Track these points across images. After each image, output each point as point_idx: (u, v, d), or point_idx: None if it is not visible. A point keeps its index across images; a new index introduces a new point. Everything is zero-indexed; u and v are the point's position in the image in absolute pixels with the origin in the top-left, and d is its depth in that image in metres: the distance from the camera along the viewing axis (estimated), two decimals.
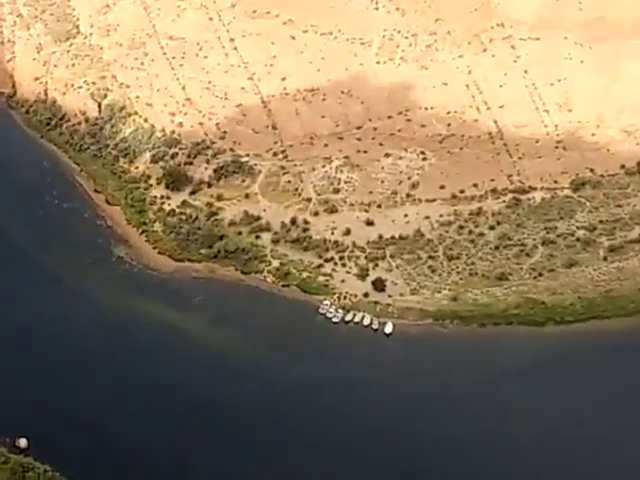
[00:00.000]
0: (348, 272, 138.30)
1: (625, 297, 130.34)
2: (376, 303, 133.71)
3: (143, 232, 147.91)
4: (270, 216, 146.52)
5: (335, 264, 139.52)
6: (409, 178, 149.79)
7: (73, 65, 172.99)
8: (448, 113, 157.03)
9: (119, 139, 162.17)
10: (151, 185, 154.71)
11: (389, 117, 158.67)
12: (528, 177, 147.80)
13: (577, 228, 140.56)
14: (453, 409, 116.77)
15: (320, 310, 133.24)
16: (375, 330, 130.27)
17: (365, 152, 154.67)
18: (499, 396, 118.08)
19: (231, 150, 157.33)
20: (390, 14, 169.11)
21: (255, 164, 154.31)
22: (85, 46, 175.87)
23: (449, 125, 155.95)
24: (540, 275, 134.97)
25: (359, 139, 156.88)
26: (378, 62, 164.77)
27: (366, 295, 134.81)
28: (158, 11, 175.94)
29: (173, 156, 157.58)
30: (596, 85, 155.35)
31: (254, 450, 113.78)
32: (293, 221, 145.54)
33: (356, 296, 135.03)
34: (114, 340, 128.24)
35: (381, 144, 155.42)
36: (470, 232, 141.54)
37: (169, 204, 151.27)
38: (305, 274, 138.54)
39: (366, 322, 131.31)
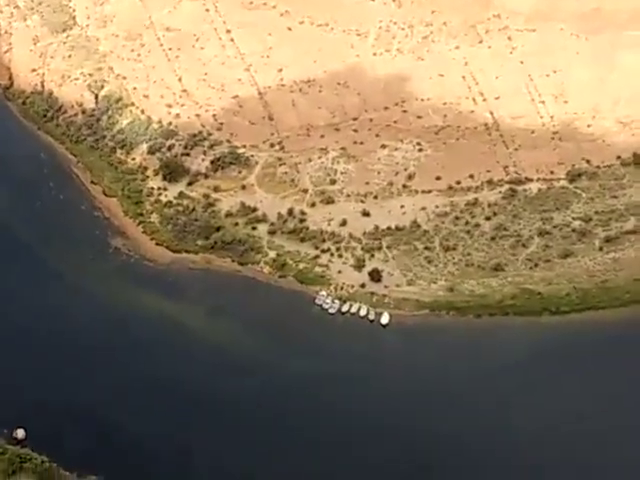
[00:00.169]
0: (344, 263, 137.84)
1: (620, 288, 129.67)
2: (372, 294, 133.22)
3: (140, 223, 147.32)
4: (267, 207, 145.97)
5: (332, 255, 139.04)
6: (405, 169, 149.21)
7: (70, 56, 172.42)
8: (444, 104, 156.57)
9: (116, 130, 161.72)
10: (148, 176, 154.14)
11: (385, 108, 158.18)
12: (524, 168, 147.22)
13: (573, 219, 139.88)
14: (451, 402, 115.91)
15: (316, 301, 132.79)
16: (371, 321, 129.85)
17: (361, 143, 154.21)
18: (497, 388, 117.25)
19: (228, 141, 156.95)
20: (386, 5, 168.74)
21: (252, 155, 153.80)
22: (82, 37, 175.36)
23: (445, 116, 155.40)
24: (536, 266, 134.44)
25: (355, 130, 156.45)
26: (374, 53, 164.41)
27: (363, 286, 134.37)
28: (155, 2, 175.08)
29: (170, 147, 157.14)
30: (592, 76, 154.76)
31: (252, 445, 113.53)
32: (290, 212, 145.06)
33: (353, 287, 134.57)
34: (111, 331, 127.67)
35: (377, 135, 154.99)
36: (466, 223, 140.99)
37: (166, 195, 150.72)
38: (302, 265, 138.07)
39: (362, 313, 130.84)
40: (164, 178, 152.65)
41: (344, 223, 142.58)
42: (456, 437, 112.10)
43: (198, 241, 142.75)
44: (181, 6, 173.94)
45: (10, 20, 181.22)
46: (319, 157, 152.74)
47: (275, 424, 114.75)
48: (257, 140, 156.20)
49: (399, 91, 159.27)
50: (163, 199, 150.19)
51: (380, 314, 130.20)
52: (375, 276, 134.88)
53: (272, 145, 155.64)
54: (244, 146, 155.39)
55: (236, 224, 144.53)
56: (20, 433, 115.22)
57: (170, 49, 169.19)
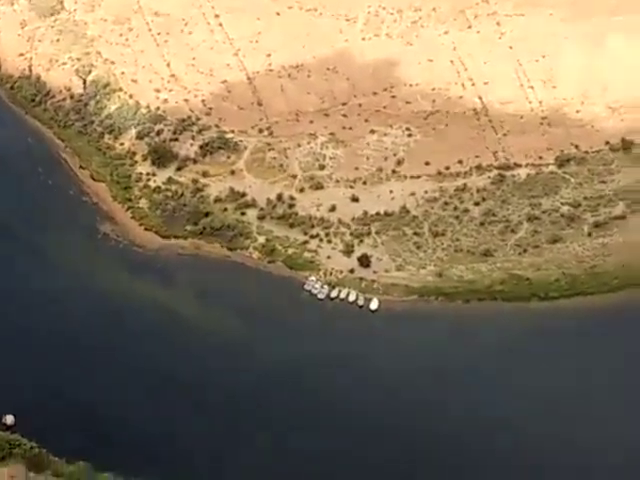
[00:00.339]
0: (334, 248, 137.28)
1: (609, 273, 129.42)
2: (361, 279, 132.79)
3: (129, 209, 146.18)
4: (256, 192, 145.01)
5: (321, 240, 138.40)
6: (394, 154, 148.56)
7: (57, 41, 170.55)
8: (433, 89, 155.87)
9: (104, 115, 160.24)
10: (136, 162, 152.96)
11: (374, 93, 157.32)
12: (513, 153, 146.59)
13: (561, 204, 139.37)
14: (440, 387, 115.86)
15: (306, 286, 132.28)
16: (360, 306, 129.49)
17: (350, 129, 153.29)
18: (484, 373, 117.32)
19: (216, 126, 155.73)
20: None
21: (240, 140, 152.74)
22: (69, 22, 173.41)
23: (434, 101, 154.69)
24: (525, 251, 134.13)
25: (344, 115, 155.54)
26: (363, 38, 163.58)
27: (352, 271, 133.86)
28: None
29: (158, 132, 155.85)
30: (581, 62, 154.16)
31: (235, 431, 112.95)
32: (279, 197, 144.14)
33: (342, 272, 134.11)
34: (100, 317, 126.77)
35: (366, 120, 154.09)
36: (455, 208, 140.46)
37: (154, 181, 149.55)
38: (291, 250, 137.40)
39: (351, 298, 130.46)
40: (153, 163, 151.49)
41: (333, 209, 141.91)
42: (446, 426, 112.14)
43: (187, 226, 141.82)
44: None
45: None
46: (308, 142, 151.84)
47: (259, 410, 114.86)
48: (246, 125, 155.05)
49: (388, 76, 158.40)
50: (152, 184, 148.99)
51: (369, 300, 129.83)
52: (364, 261, 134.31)
53: (261, 130, 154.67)
54: (233, 131, 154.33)
55: (225, 209, 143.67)
56: (9, 419, 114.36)
57: (159, 34, 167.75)
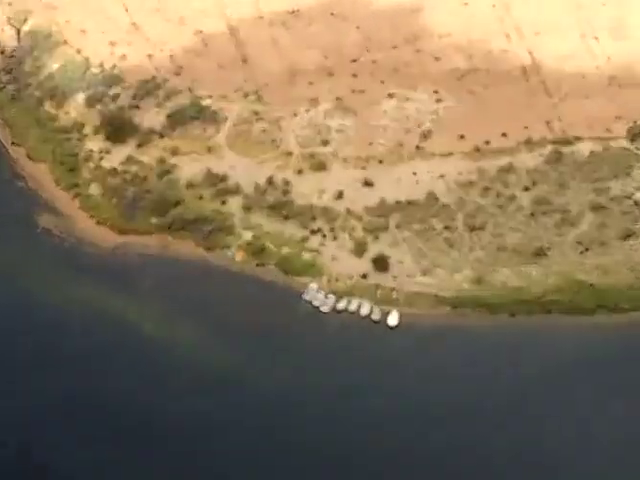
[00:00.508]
0: (341, 247, 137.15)
1: None
2: (377, 287, 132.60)
3: (76, 196, 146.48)
4: (240, 175, 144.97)
5: (324, 237, 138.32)
6: (419, 126, 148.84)
7: None
8: (469, 41, 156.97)
9: (44, 76, 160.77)
10: (86, 135, 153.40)
11: (393, 47, 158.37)
12: (572, 124, 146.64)
13: (635, 189, 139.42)
14: (486, 429, 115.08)
15: (305, 296, 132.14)
16: (376, 322, 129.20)
17: (362, 92, 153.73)
18: (543, 411, 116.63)
19: (189, 90, 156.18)
20: None
21: (220, 108, 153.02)
22: None
23: (471, 57, 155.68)
24: (588, 250, 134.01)
25: (354, 75, 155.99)
26: None
27: (364, 277, 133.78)
28: None
29: (114, 98, 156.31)
30: None
31: None
32: (270, 181, 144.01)
33: (351, 278, 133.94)
34: (38, 335, 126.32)
35: (383, 82, 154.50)
36: (498, 195, 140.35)
37: (109, 160, 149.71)
38: (285, 250, 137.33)
39: (364, 311, 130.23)
40: (107, 138, 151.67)
41: (340, 195, 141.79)
42: None
43: (151, 219, 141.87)
44: None
45: None
46: (307, 110, 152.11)
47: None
48: (227, 89, 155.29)
49: (411, 24, 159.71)
50: (106, 165, 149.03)
51: (387, 313, 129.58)
52: (380, 264, 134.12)
53: (246, 95, 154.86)
54: (210, 96, 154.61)
55: (200, 197, 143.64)
56: None
57: None
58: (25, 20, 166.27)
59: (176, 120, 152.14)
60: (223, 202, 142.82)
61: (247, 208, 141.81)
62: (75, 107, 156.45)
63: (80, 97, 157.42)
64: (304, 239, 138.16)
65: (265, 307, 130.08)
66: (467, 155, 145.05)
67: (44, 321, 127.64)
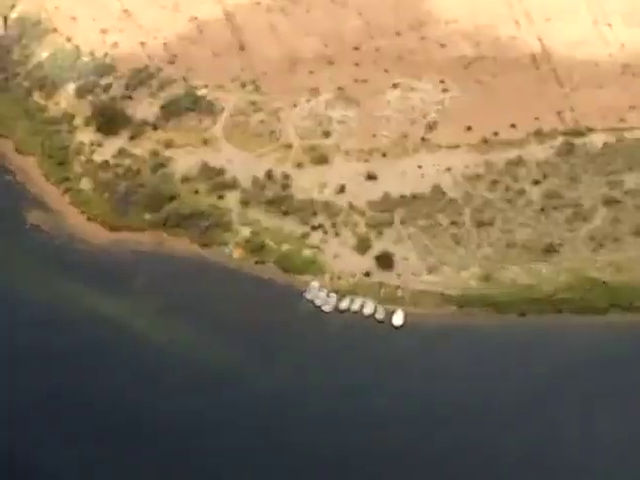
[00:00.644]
0: (343, 244, 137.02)
1: None
2: (381, 285, 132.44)
3: (67, 191, 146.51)
4: (237, 169, 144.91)
5: (325, 233, 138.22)
6: (424, 116, 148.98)
7: None
8: (477, 28, 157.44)
9: (32, 66, 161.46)
10: (76, 127, 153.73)
11: (397, 34, 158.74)
12: (584, 114, 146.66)
13: None
14: (493, 431, 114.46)
15: (306, 295, 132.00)
16: (380, 321, 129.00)
17: (365, 81, 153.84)
18: (552, 413, 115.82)
19: (184, 79, 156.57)
20: None
21: (216, 98, 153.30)
22: None
23: (478, 44, 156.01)
24: (601, 246, 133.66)
25: (357, 64, 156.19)
26: None
27: (367, 275, 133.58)
28: None
29: (106, 88, 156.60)
30: None
31: None
32: (268, 175, 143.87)
33: (354, 276, 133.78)
34: (28, 337, 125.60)
35: (386, 70, 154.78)
36: (507, 189, 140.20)
37: (101, 153, 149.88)
38: (285, 247, 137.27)
39: (368, 311, 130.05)
40: (98, 130, 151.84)
41: (342, 190, 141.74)
42: None
43: (145, 215, 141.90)
44: None
45: None
46: (307, 100, 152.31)
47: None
48: (223, 78, 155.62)
49: (415, 10, 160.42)
50: (97, 158, 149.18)
51: (392, 312, 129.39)
52: (384, 262, 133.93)
53: (244, 84, 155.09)
54: (206, 86, 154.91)
55: (196, 192, 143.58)
56: None
57: None
58: (13, 7, 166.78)
59: (170, 111, 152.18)
60: (220, 197, 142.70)
61: (245, 203, 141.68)
62: (65, 97, 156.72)
63: (70, 87, 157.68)
64: (305, 235, 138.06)
65: (265, 306, 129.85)
66: (474, 147, 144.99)
67: (31, 320, 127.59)
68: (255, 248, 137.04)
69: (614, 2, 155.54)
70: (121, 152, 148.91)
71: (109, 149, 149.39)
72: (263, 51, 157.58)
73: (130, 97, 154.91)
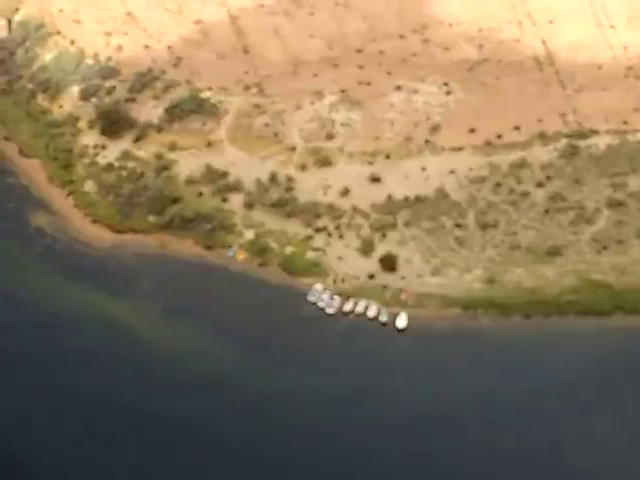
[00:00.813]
0: (347, 246, 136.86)
1: None
2: (385, 288, 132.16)
3: (71, 194, 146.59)
4: (241, 171, 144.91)
5: (329, 235, 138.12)
6: (428, 119, 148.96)
7: None
8: (480, 31, 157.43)
9: (36, 68, 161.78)
10: (81, 130, 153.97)
11: (400, 37, 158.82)
12: (588, 116, 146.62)
13: None
14: (496, 434, 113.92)
15: (310, 297, 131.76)
16: (384, 324, 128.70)
17: (368, 84, 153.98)
18: (557, 419, 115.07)
19: (188, 82, 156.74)
20: None
21: (220, 101, 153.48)
22: None
23: (481, 47, 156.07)
24: (605, 248, 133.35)
25: (360, 66, 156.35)
26: None
27: (371, 277, 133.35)
28: None
29: (110, 91, 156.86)
30: None
31: None
32: (272, 178, 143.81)
33: (358, 278, 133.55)
34: (33, 339, 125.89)
35: (390, 73, 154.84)
36: (511, 191, 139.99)
37: (105, 156, 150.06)
38: (289, 249, 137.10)
39: (371, 313, 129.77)
40: (102, 132, 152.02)
41: (346, 192, 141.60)
42: None
43: (149, 217, 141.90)
44: None
45: None
46: (311, 103, 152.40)
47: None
48: (227, 80, 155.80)
49: (419, 13, 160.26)
50: (101, 161, 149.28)
51: (395, 315, 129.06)
52: (388, 264, 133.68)
53: (248, 87, 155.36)
54: (210, 88, 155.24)
55: (200, 194, 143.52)
56: None
57: None
58: (17, 10, 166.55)
59: (174, 114, 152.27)
60: (224, 199, 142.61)
61: (249, 205, 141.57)
62: (69, 100, 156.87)
63: (74, 90, 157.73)
64: (308, 238, 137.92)
65: (268, 309, 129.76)
66: (478, 149, 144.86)
67: (35, 321, 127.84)
68: (259, 250, 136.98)
69: (618, 4, 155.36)
70: (125, 155, 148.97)
71: (113, 152, 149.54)
72: (267, 54, 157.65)
73: (134, 100, 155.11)
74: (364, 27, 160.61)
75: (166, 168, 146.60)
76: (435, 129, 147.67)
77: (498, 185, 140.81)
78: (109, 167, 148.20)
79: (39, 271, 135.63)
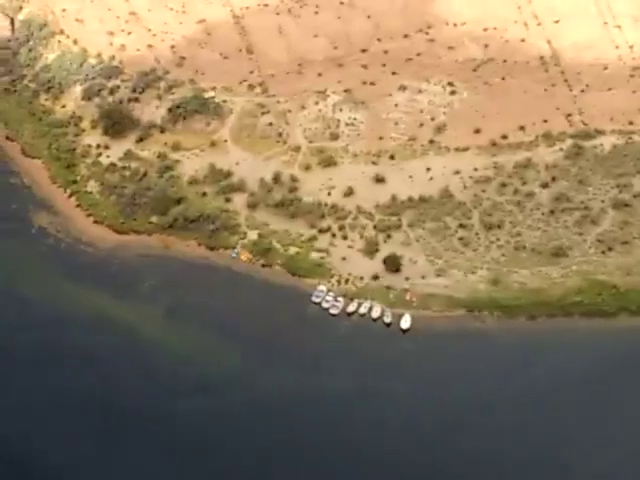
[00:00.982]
0: (351, 247, 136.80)
1: None
2: (389, 289, 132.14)
3: (73, 194, 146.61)
4: (245, 171, 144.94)
5: (333, 236, 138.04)
6: (433, 119, 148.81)
7: None
8: (485, 30, 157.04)
9: (39, 68, 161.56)
10: (83, 130, 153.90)
11: (405, 36, 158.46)
12: (593, 117, 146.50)
13: None
14: (501, 435, 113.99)
15: (314, 298, 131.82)
16: (388, 325, 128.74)
17: (373, 84, 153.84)
18: (562, 420, 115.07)
19: (191, 82, 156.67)
20: None
21: (224, 101, 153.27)
22: None
23: (487, 47, 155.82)
24: (610, 249, 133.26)
25: (364, 66, 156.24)
26: None
27: (375, 278, 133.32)
28: None
29: (113, 91, 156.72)
30: None
31: None
32: (276, 178, 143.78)
33: (362, 279, 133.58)
34: (35, 339, 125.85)
35: (395, 73, 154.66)
36: (515, 192, 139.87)
37: (108, 156, 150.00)
38: (293, 250, 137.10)
39: (375, 314, 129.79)
40: (105, 132, 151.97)
41: (350, 192, 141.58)
42: None
43: (152, 218, 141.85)
44: None
45: None
46: (316, 103, 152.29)
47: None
48: (231, 80, 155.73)
49: (423, 13, 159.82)
50: (104, 161, 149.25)
51: (400, 316, 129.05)
52: (392, 265, 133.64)
53: (252, 87, 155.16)
54: (213, 88, 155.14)
55: (203, 194, 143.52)
56: None
57: None
58: (20, 9, 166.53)
59: (178, 113, 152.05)
60: (227, 200, 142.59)
61: (252, 206, 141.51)
62: (72, 100, 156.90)
63: (77, 89, 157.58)
64: (312, 238, 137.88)
65: (272, 310, 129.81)
66: (483, 150, 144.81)
67: (37, 321, 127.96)
68: (262, 251, 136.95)
69: (624, 4, 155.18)
70: (128, 155, 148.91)
71: (116, 152, 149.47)
72: (271, 53, 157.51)
73: (137, 99, 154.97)
74: (369, 27, 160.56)
75: (169, 168, 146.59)
76: (440, 129, 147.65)
77: (503, 185, 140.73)
78: (112, 167, 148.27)
79: (41, 271, 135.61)
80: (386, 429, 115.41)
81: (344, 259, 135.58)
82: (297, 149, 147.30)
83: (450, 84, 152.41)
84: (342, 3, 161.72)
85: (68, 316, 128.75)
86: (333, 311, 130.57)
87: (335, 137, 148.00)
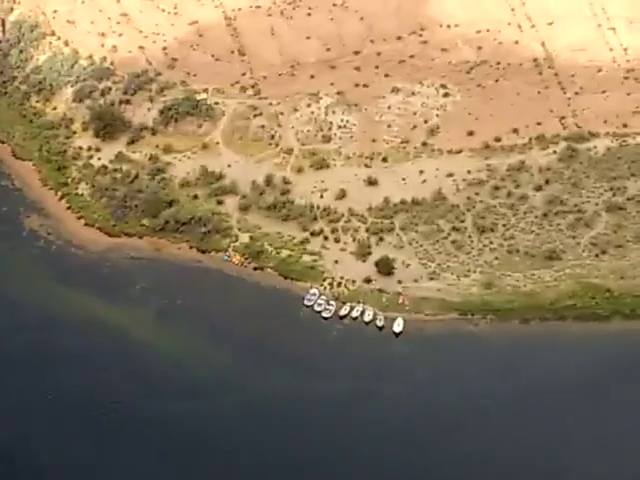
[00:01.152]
0: (343, 250, 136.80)
1: None
2: (381, 292, 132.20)
3: (64, 196, 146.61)
4: (237, 174, 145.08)
5: (325, 239, 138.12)
6: (426, 121, 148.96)
7: None
8: (478, 32, 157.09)
9: (30, 69, 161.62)
10: (74, 132, 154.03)
11: (398, 38, 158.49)
12: (587, 119, 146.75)
13: None
14: (493, 439, 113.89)
15: (306, 301, 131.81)
16: (380, 328, 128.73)
17: (366, 86, 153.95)
18: (554, 424, 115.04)
19: (183, 84, 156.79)
20: None
21: (216, 103, 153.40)
22: None
23: (480, 49, 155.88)
24: (604, 253, 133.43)
25: (357, 68, 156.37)
26: None
27: (368, 281, 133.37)
28: None
29: (104, 92, 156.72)
30: None
31: None
32: (268, 180, 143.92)
33: (354, 282, 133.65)
34: (25, 343, 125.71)
35: (387, 75, 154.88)
36: (509, 195, 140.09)
37: (99, 158, 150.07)
38: (285, 253, 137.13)
39: (368, 318, 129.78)
40: (96, 134, 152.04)
41: (342, 195, 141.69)
42: None
43: (143, 220, 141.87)
44: None
45: None
46: (308, 105, 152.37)
47: None
48: (223, 82, 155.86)
49: (417, 14, 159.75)
50: (95, 163, 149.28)
51: (392, 319, 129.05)
52: (385, 268, 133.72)
53: (244, 89, 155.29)
54: (205, 90, 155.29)
55: (195, 197, 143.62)
56: None
57: None
58: (11, 10, 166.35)
59: (169, 116, 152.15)
60: (219, 202, 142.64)
61: (244, 208, 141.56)
62: (63, 102, 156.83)
63: (68, 91, 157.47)
64: (304, 241, 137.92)
65: (264, 313, 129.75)
66: (476, 152, 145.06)
67: (28, 324, 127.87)
68: (254, 254, 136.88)
69: (618, 6, 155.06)
70: (119, 157, 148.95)
71: (107, 154, 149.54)
72: (263, 55, 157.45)
73: (129, 101, 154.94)
74: (362, 28, 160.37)
75: (161, 171, 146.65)
76: (433, 132, 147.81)
77: (496, 188, 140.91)
78: (103, 169, 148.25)
79: (32, 274, 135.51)
80: (379, 432, 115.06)
81: (336, 262, 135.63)
82: (289, 151, 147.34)
83: (443, 86, 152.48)
84: (335, 5, 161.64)
85: (59, 319, 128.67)
86: (325, 314, 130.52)
87: (327, 139, 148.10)
